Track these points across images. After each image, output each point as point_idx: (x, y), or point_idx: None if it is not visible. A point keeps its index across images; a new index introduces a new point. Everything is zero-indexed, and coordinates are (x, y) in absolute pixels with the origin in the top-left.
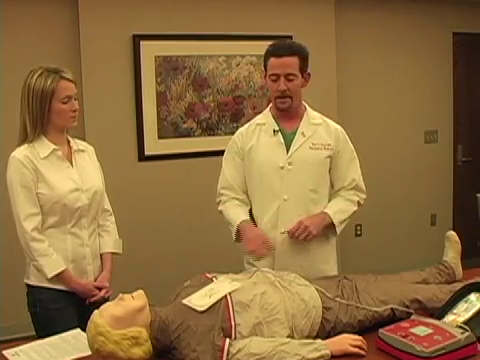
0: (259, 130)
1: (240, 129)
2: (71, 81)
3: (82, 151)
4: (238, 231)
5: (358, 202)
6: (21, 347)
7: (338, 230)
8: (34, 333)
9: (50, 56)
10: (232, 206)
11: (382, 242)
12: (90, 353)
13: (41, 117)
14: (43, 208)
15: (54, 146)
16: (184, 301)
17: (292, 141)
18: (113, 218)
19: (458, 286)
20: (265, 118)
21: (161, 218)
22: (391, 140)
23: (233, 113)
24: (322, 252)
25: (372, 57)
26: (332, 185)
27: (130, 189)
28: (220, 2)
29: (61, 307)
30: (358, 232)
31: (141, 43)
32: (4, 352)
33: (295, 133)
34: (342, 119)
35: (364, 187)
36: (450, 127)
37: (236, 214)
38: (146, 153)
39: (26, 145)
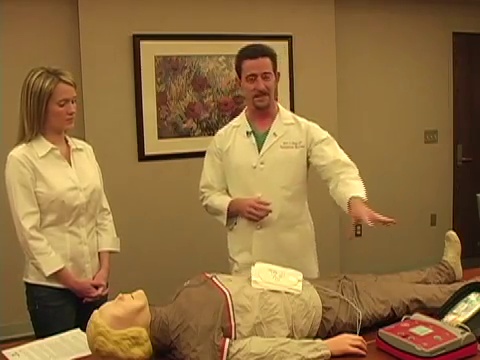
0: (235, 132)
1: (219, 131)
2: (70, 84)
3: (80, 150)
4: (228, 212)
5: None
6: (21, 347)
7: None
8: (34, 333)
9: (50, 55)
10: (216, 196)
11: (382, 242)
12: (90, 353)
13: (38, 117)
14: (41, 207)
15: (52, 145)
16: (254, 285)
17: (264, 141)
18: (111, 217)
19: (458, 286)
20: (240, 120)
21: (161, 218)
22: (391, 140)
23: (233, 113)
24: (299, 245)
25: (372, 57)
26: (321, 175)
27: (130, 189)
28: (220, 2)
29: (59, 305)
30: (358, 232)
31: (141, 43)
32: (4, 352)
33: (267, 133)
34: (342, 119)
35: (351, 161)
36: (450, 127)
37: (222, 200)
38: (146, 153)
39: (24, 144)
